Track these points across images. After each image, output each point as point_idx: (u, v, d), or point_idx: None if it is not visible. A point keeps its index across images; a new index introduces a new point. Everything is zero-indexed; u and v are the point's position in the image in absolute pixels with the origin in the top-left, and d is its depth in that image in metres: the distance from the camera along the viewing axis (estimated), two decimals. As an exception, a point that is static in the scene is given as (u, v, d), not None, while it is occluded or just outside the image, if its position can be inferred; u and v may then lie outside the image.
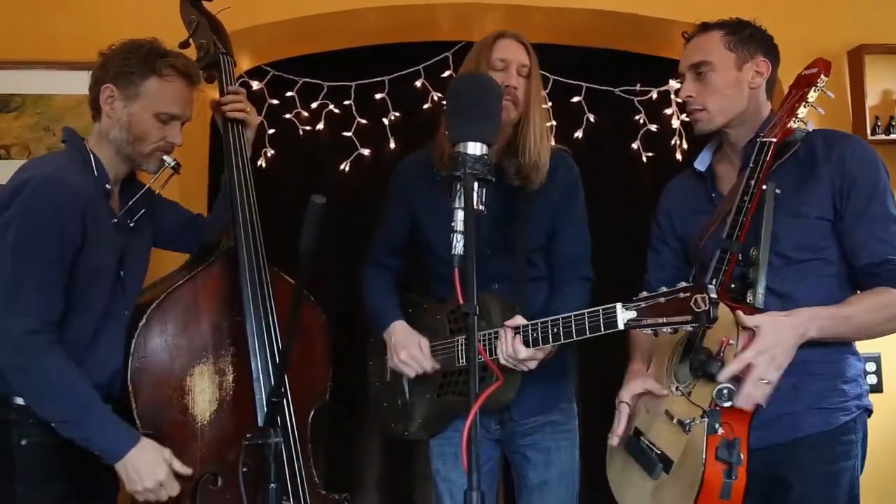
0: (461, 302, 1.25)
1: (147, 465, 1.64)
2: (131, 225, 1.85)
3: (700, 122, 1.75)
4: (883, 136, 2.67)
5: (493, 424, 2.00)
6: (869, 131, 2.65)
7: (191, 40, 2.07)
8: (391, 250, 2.10)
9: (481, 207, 1.41)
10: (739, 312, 1.54)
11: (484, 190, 1.41)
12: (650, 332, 1.51)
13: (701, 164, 1.82)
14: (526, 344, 1.73)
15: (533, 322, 1.73)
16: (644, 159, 3.07)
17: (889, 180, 1.68)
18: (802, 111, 1.64)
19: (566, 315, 1.66)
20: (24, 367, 1.61)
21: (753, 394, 1.49)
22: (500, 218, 1.94)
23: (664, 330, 1.49)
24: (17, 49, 2.61)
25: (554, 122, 3.04)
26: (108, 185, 1.78)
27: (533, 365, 1.77)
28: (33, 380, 1.63)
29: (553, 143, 2.96)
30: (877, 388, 2.67)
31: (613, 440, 1.71)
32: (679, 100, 2.98)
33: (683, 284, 1.47)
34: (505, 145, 1.92)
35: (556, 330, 1.68)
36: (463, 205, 1.33)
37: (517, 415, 1.97)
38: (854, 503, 1.65)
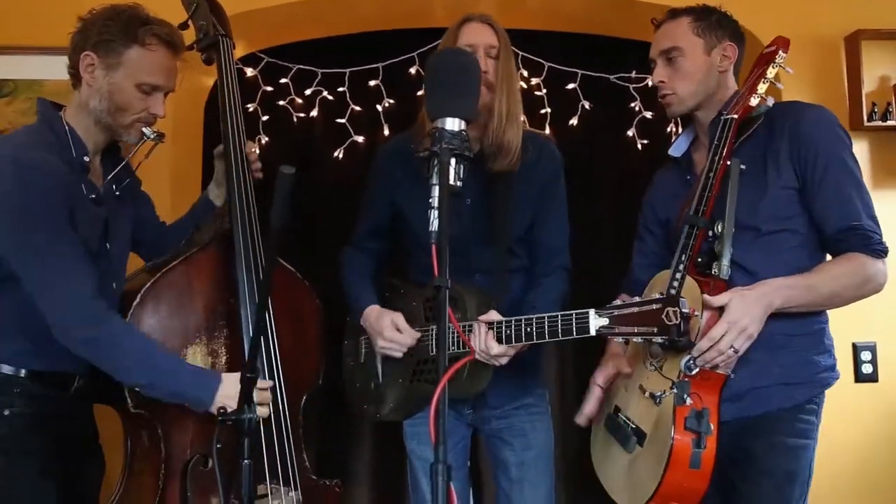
0: (436, 276, 1.24)
1: (234, 396, 1.62)
2: (117, 193, 1.83)
3: (671, 106, 1.82)
4: (880, 123, 2.63)
5: (465, 409, 2.00)
6: (865, 118, 2.62)
7: (190, 22, 2.04)
8: (372, 234, 2.09)
9: (458, 184, 1.40)
10: (706, 295, 1.59)
11: (462, 166, 1.40)
12: (621, 340, 1.52)
13: (676, 150, 1.89)
14: (499, 340, 1.72)
15: (507, 319, 1.73)
16: (639, 146, 3.04)
17: (851, 144, 1.71)
18: (762, 87, 1.72)
19: (540, 316, 1.67)
20: (95, 336, 1.60)
21: (716, 359, 1.54)
22: (482, 208, 1.94)
23: (634, 340, 1.50)
24: (8, 35, 2.62)
25: (549, 110, 3.03)
26: (86, 158, 1.73)
27: (504, 361, 1.76)
28: (106, 347, 1.62)
29: (547, 130, 3.00)
30: (872, 378, 2.64)
31: (581, 419, 1.77)
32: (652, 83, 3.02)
33: (657, 296, 1.50)
34: (484, 132, 1.90)
35: (529, 329, 1.68)
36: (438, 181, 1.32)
37: (491, 401, 1.98)
38: (807, 484, 1.68)
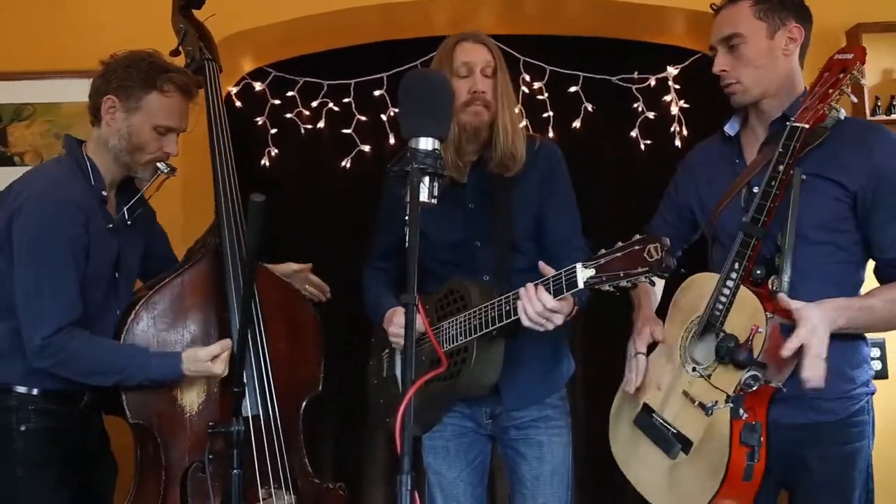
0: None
1: (202, 359, 1.79)
2: (129, 223, 1.94)
3: (736, 96, 1.73)
4: (883, 117, 2.60)
5: (484, 419, 2.01)
6: (868, 112, 2.59)
7: (180, 48, 2.15)
8: (386, 254, 2.14)
9: (433, 201, 1.44)
10: (782, 295, 1.55)
11: (436, 184, 1.44)
12: (609, 288, 1.51)
13: (731, 128, 1.81)
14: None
15: (507, 295, 1.73)
16: (642, 147, 3.05)
17: None
18: (836, 98, 1.61)
19: (535, 282, 1.66)
20: (53, 366, 1.74)
21: (816, 373, 1.49)
22: (486, 210, 1.97)
23: (622, 284, 1.48)
24: (27, 60, 2.73)
25: (551, 113, 3.05)
26: (104, 192, 1.87)
27: (559, 319, 1.69)
28: (68, 369, 1.75)
29: (550, 133, 3.02)
30: (882, 375, 2.62)
31: (630, 388, 1.72)
32: (674, 84, 3.01)
33: (638, 237, 1.47)
34: (486, 139, 1.94)
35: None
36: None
37: (508, 404, 1.97)
38: (870, 480, 1.68)
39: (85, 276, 1.78)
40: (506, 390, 1.94)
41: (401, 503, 1.10)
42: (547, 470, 1.98)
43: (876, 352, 2.62)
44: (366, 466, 3.08)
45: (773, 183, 1.59)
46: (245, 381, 1.84)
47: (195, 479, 1.78)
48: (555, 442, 1.99)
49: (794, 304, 1.53)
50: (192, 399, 1.85)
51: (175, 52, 2.11)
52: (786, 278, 1.58)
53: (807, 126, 1.59)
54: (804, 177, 1.60)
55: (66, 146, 1.92)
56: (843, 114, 1.63)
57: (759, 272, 1.60)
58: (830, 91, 1.60)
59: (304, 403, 2.04)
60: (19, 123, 2.77)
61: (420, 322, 1.37)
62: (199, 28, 2.16)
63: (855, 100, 1.67)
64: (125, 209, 1.93)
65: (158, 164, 1.90)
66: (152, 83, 1.83)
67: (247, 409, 1.84)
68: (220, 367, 1.80)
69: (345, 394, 2.92)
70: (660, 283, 1.90)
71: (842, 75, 1.62)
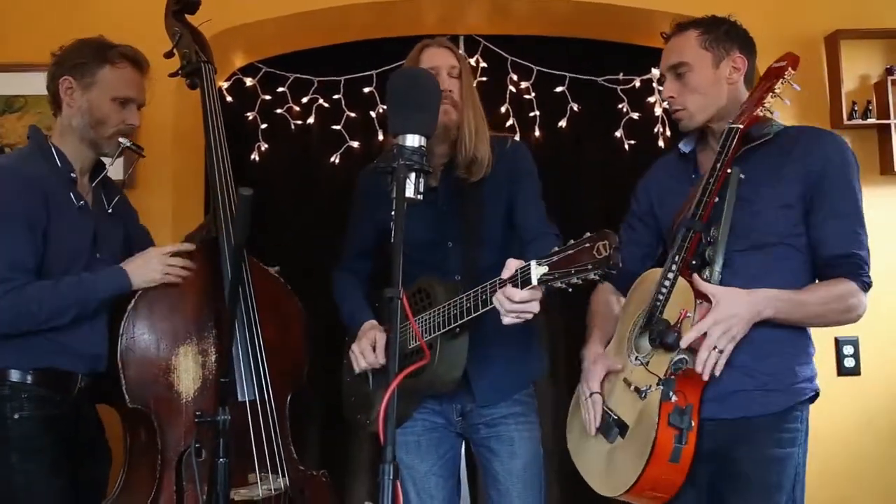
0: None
1: (143, 272, 1.88)
2: (109, 212, 2.00)
3: (683, 121, 1.82)
4: (860, 121, 2.67)
5: (454, 416, 2.04)
6: (845, 116, 2.65)
7: (175, 50, 2.20)
8: (359, 254, 2.18)
9: (419, 197, 1.48)
10: (696, 276, 1.62)
11: (421, 180, 1.48)
12: (561, 285, 1.55)
13: (686, 146, 1.88)
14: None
15: (467, 292, 1.76)
16: (626, 147, 3.10)
17: (859, 177, 1.72)
18: (769, 101, 1.70)
19: (493, 281, 1.69)
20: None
21: (708, 362, 1.58)
22: (458, 211, 2.01)
23: (573, 280, 1.52)
24: (19, 52, 2.74)
25: (538, 113, 3.10)
26: (72, 174, 1.92)
27: (536, 307, 1.68)
28: (16, 313, 1.77)
29: (536, 132, 3.07)
30: (854, 371, 2.69)
31: (591, 429, 1.77)
32: (658, 85, 3.07)
33: (589, 234, 1.51)
34: (455, 141, 1.98)
35: (484, 297, 1.71)
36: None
37: (480, 399, 2.00)
38: (797, 488, 1.70)
39: (53, 248, 1.82)
40: (477, 385, 1.98)
41: (383, 491, 1.14)
42: (519, 465, 2.01)
43: (849, 349, 2.69)
44: (347, 461, 3.12)
45: (710, 180, 1.67)
46: (242, 367, 1.91)
47: (190, 463, 1.82)
48: (525, 437, 2.03)
49: (712, 289, 1.60)
50: (188, 385, 1.91)
51: (169, 54, 2.14)
52: (717, 269, 1.65)
53: (741, 126, 1.67)
54: (742, 176, 1.68)
55: (31, 135, 1.97)
56: (777, 115, 1.73)
57: (694, 262, 1.67)
58: (764, 95, 1.69)
59: (290, 392, 2.09)
60: (10, 115, 2.79)
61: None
62: (194, 31, 2.20)
63: (788, 102, 1.74)
64: (100, 193, 1.99)
65: (121, 139, 1.94)
66: (103, 57, 1.92)
67: (244, 394, 1.91)
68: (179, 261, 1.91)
69: (329, 389, 2.95)
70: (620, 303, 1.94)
71: (775, 81, 1.72)
